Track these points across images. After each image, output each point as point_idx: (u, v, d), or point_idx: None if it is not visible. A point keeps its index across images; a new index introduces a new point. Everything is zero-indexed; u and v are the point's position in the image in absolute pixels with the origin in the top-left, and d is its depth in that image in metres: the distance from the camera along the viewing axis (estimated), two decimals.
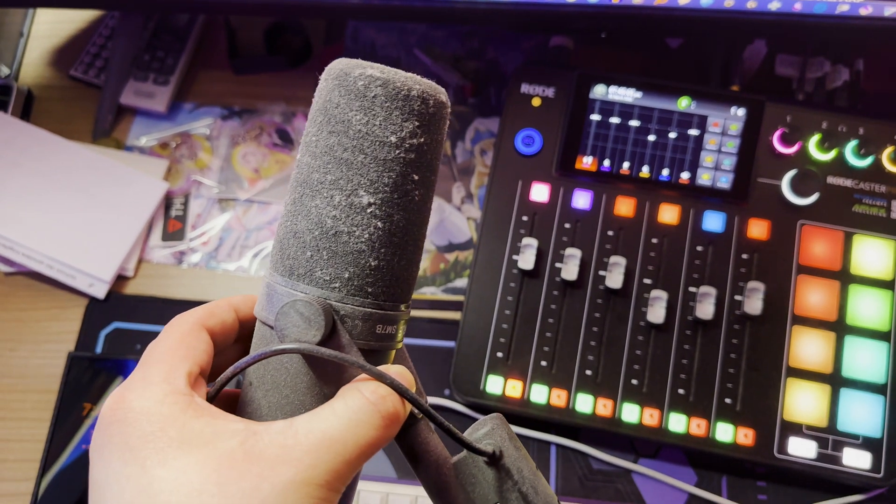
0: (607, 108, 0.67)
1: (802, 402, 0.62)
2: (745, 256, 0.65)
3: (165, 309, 0.71)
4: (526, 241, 0.65)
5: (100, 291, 0.71)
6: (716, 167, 0.66)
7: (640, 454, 0.66)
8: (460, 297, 0.71)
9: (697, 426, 0.62)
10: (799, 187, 0.65)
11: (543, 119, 0.68)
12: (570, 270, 0.64)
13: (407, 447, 0.33)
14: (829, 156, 0.67)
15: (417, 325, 0.70)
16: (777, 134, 0.67)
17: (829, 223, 0.65)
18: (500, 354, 0.64)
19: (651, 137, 0.66)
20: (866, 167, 0.66)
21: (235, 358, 0.31)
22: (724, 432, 0.62)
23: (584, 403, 0.63)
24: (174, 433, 0.27)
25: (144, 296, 0.72)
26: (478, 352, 0.64)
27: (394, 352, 0.34)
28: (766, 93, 0.68)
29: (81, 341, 0.70)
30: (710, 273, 0.65)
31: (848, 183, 0.66)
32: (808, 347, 0.63)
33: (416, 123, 0.30)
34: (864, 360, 0.63)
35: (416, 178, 0.31)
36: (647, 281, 0.65)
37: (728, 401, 0.62)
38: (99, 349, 0.70)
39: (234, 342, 0.35)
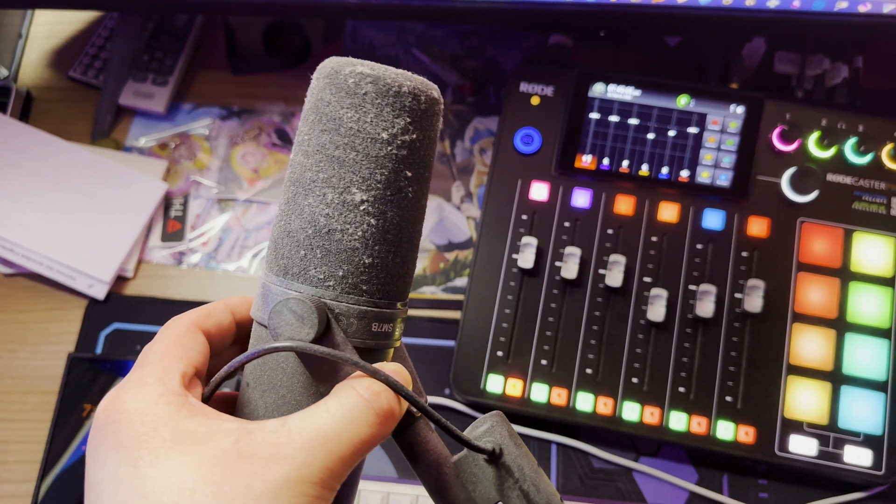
0: (606, 106, 0.67)
1: (803, 399, 0.62)
2: (744, 254, 0.65)
3: (165, 309, 0.71)
4: (525, 239, 0.65)
5: (99, 292, 0.71)
6: (715, 165, 0.66)
7: (641, 453, 0.66)
8: (460, 297, 0.71)
9: (698, 424, 0.62)
10: (799, 185, 0.65)
11: (542, 118, 0.68)
12: (569, 269, 0.64)
13: (406, 446, 0.33)
14: (828, 153, 0.66)
15: (417, 324, 0.70)
16: (776, 131, 0.67)
17: (829, 220, 0.65)
18: (500, 353, 0.64)
19: (650, 135, 0.66)
20: (866, 164, 0.66)
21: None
22: (725, 430, 0.62)
23: (585, 402, 0.63)
24: (167, 433, 0.27)
25: (144, 296, 0.72)
26: (478, 351, 0.64)
27: (391, 350, 0.33)
28: (765, 90, 0.68)
29: (81, 342, 0.70)
30: (710, 271, 0.65)
31: (847, 180, 0.66)
32: (808, 345, 0.63)
33: (408, 120, 0.30)
34: (865, 357, 0.63)
35: (408, 174, 0.31)
36: (647, 279, 0.65)
37: (729, 399, 0.62)
38: (99, 350, 0.70)
39: (231, 344, 0.35)
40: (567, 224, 0.66)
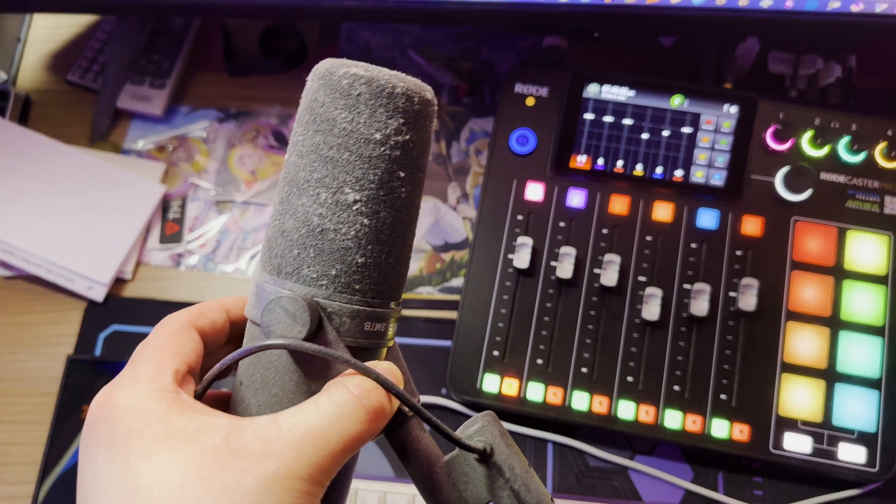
0: (601, 106, 0.67)
1: (797, 397, 0.62)
2: (739, 253, 0.65)
3: (164, 311, 0.70)
4: (521, 240, 0.66)
5: (98, 294, 0.71)
6: (709, 164, 0.66)
7: (637, 451, 0.66)
8: (456, 297, 0.72)
9: (693, 422, 0.62)
10: (792, 184, 0.66)
11: (537, 118, 0.69)
12: (565, 269, 0.65)
13: (398, 445, 0.33)
14: (822, 152, 0.67)
15: (414, 324, 0.71)
16: (770, 131, 0.67)
17: (823, 219, 0.66)
18: (496, 353, 0.65)
19: (644, 136, 0.67)
20: (859, 163, 0.67)
21: None
22: (720, 428, 0.62)
23: (581, 401, 0.63)
24: (159, 429, 0.27)
25: (143, 298, 0.73)
26: (474, 351, 0.65)
27: (385, 350, 0.34)
28: (758, 90, 0.68)
29: (80, 344, 0.71)
30: (705, 270, 0.65)
31: (841, 179, 0.66)
32: (802, 343, 0.63)
33: (401, 120, 0.30)
34: (859, 355, 0.63)
35: (402, 174, 0.31)
36: (642, 278, 0.65)
37: (723, 397, 0.63)
38: (98, 352, 0.70)
39: (225, 343, 0.35)
40: (562, 224, 0.67)
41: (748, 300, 0.63)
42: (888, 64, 0.78)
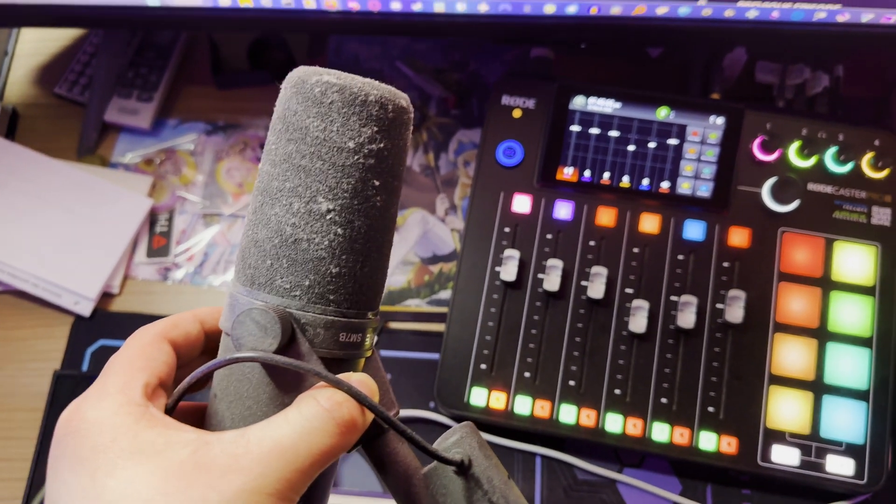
0: (587, 118, 0.67)
1: (785, 409, 0.62)
2: (725, 265, 0.65)
3: None
4: (508, 252, 0.65)
5: (85, 309, 0.71)
6: (696, 176, 0.66)
7: (625, 464, 0.66)
8: (445, 309, 0.71)
9: (681, 435, 0.62)
10: (779, 194, 0.65)
11: (524, 130, 0.69)
12: (552, 281, 0.65)
13: (375, 457, 0.33)
14: (809, 162, 0.67)
15: (402, 337, 0.71)
16: (757, 142, 0.67)
17: (810, 230, 0.66)
18: (483, 366, 0.64)
19: (631, 147, 0.67)
20: (846, 173, 0.66)
21: None
22: (708, 441, 0.62)
23: (568, 414, 0.63)
24: (126, 443, 0.27)
25: (130, 312, 0.73)
26: (462, 364, 0.65)
27: (362, 360, 0.33)
28: (746, 100, 0.68)
29: (68, 359, 0.70)
30: (692, 282, 0.65)
31: (828, 189, 0.66)
32: (790, 355, 0.63)
33: (375, 129, 0.30)
34: (847, 366, 0.63)
35: (376, 183, 0.31)
36: (629, 290, 0.65)
37: (711, 409, 0.63)
38: (85, 367, 0.70)
39: (200, 354, 0.35)
40: (549, 236, 0.66)
41: (735, 312, 0.63)
42: (875, 73, 0.78)
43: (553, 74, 0.73)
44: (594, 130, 0.67)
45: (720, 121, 0.66)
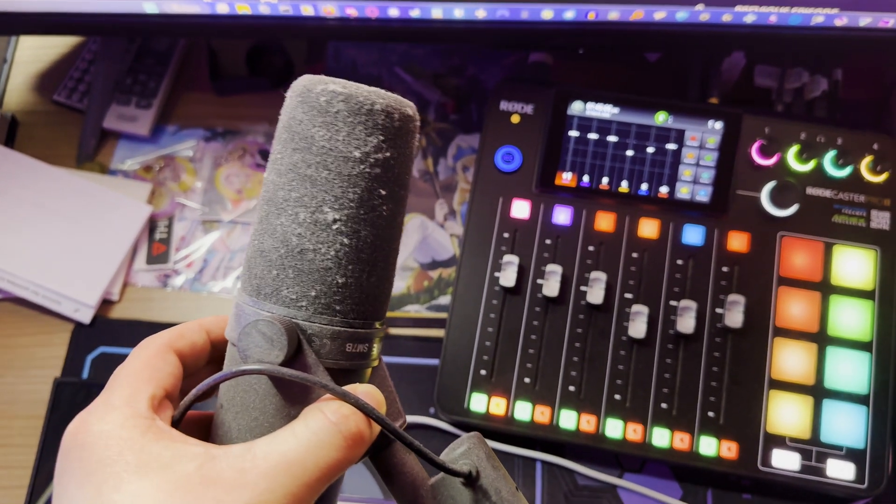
0: (585, 124, 0.67)
1: (785, 414, 0.62)
2: (725, 269, 0.65)
3: (151, 332, 0.70)
4: (507, 258, 0.65)
5: (85, 316, 0.71)
6: (694, 181, 0.66)
7: (625, 469, 0.66)
8: (444, 315, 0.71)
9: (681, 440, 0.62)
10: (778, 199, 0.65)
11: (523, 136, 0.69)
12: (551, 287, 0.65)
13: (382, 468, 0.33)
14: (807, 167, 0.67)
15: (402, 343, 0.71)
16: (755, 146, 0.67)
17: (809, 234, 0.66)
18: (483, 372, 0.64)
19: (629, 152, 0.67)
20: (845, 177, 0.66)
21: None
22: (708, 446, 0.62)
23: (568, 419, 0.63)
24: (132, 457, 0.26)
25: (130, 320, 0.73)
26: (461, 370, 0.65)
27: (369, 370, 0.33)
28: (745, 104, 0.68)
29: (68, 367, 0.70)
30: (691, 287, 0.65)
31: (827, 193, 0.66)
32: (790, 359, 0.63)
33: (381, 138, 0.30)
34: (847, 370, 0.63)
35: (383, 192, 0.30)
36: (628, 296, 0.65)
37: (711, 414, 0.63)
38: (85, 374, 0.70)
39: (207, 364, 0.35)
40: (548, 242, 0.66)
41: (735, 317, 0.63)
42: (874, 77, 0.78)
43: (551, 80, 0.73)
44: (592, 135, 0.67)
45: (718, 125, 0.66)
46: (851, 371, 0.63)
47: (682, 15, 0.64)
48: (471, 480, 0.32)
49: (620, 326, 0.64)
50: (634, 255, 0.66)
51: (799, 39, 0.65)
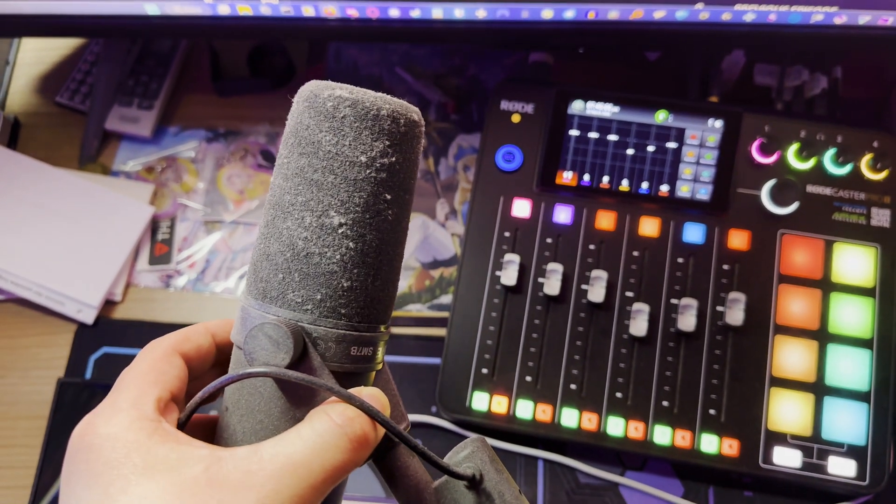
0: (586, 123, 0.67)
1: (786, 411, 0.62)
2: (725, 267, 0.65)
3: (154, 333, 0.70)
4: (508, 257, 0.66)
5: (88, 317, 0.72)
6: (695, 179, 0.66)
7: (627, 467, 0.66)
8: (446, 314, 0.72)
9: (682, 438, 0.62)
10: (778, 197, 0.66)
11: (523, 135, 0.69)
12: (552, 285, 0.65)
13: (386, 471, 0.33)
14: (807, 164, 0.67)
15: (403, 342, 0.71)
16: (755, 144, 0.67)
17: (810, 232, 0.66)
18: (485, 371, 0.65)
19: (630, 151, 0.67)
20: (845, 175, 0.67)
21: None
22: (709, 443, 0.62)
23: (570, 418, 0.63)
24: (139, 459, 0.27)
25: (133, 320, 0.73)
26: (463, 369, 0.65)
27: (373, 373, 0.33)
28: (745, 102, 0.69)
29: (71, 367, 0.71)
30: (692, 285, 0.65)
31: (827, 191, 0.67)
32: (790, 357, 0.63)
33: (387, 143, 0.30)
34: (848, 368, 0.63)
35: (388, 197, 0.31)
36: (629, 294, 0.65)
37: (712, 412, 0.63)
38: (88, 374, 0.70)
39: (212, 367, 0.35)
40: (549, 240, 0.67)
41: (735, 314, 0.63)
42: (874, 75, 0.78)
43: (551, 79, 0.73)
44: (593, 135, 0.67)
45: (718, 124, 0.66)
46: (852, 368, 0.63)
47: (681, 14, 0.64)
48: (474, 484, 0.32)
49: (621, 325, 0.65)
50: (635, 253, 0.66)
51: (798, 38, 0.66)
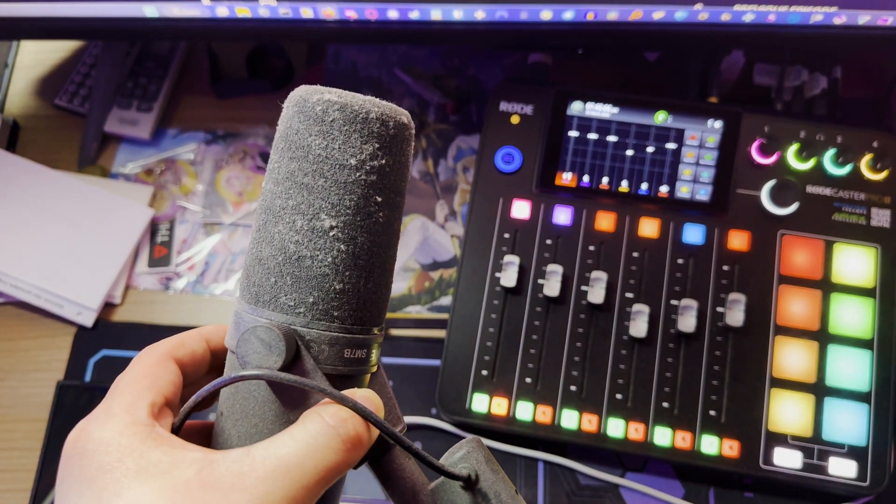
0: (585, 124, 0.67)
1: (787, 412, 0.62)
2: (725, 268, 0.65)
3: (153, 335, 0.71)
4: (508, 258, 0.66)
5: (87, 320, 0.72)
6: (694, 180, 0.66)
7: (628, 468, 0.66)
8: (446, 316, 0.72)
9: (682, 439, 0.62)
10: (778, 197, 0.66)
11: (522, 136, 0.69)
12: (552, 287, 0.65)
13: (381, 473, 0.33)
14: (807, 165, 0.67)
15: (403, 344, 0.71)
16: (755, 144, 0.67)
17: (810, 232, 0.66)
18: (484, 372, 0.64)
19: (629, 152, 0.67)
20: (845, 175, 0.66)
21: None
22: (710, 445, 0.62)
23: (570, 419, 0.63)
24: (132, 463, 0.27)
25: (132, 323, 0.73)
26: (463, 370, 0.65)
27: (368, 376, 0.33)
28: (745, 102, 0.68)
29: (70, 370, 0.71)
30: (692, 286, 0.65)
31: (827, 191, 0.66)
32: (791, 357, 0.63)
33: (377, 145, 0.30)
34: (848, 368, 0.63)
35: (379, 199, 0.31)
36: (629, 295, 0.65)
37: (712, 413, 0.63)
38: (88, 377, 0.70)
39: (206, 373, 0.35)
40: (549, 242, 0.67)
41: (736, 315, 0.63)
42: (873, 75, 0.78)
43: (551, 80, 0.73)
44: (592, 135, 0.67)
45: (718, 124, 0.66)
46: (853, 369, 0.63)
47: (680, 14, 0.64)
48: (470, 484, 0.32)
49: (621, 326, 0.65)
50: (635, 254, 0.66)
51: (798, 38, 0.65)
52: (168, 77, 0.81)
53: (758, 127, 0.67)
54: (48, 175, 0.75)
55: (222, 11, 0.66)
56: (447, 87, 0.80)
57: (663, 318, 0.64)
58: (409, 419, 0.67)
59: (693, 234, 0.66)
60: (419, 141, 0.78)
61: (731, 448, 0.62)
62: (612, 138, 0.67)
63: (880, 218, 0.66)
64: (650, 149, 0.66)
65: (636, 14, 0.64)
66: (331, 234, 0.30)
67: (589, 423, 0.63)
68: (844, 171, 0.66)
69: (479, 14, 0.64)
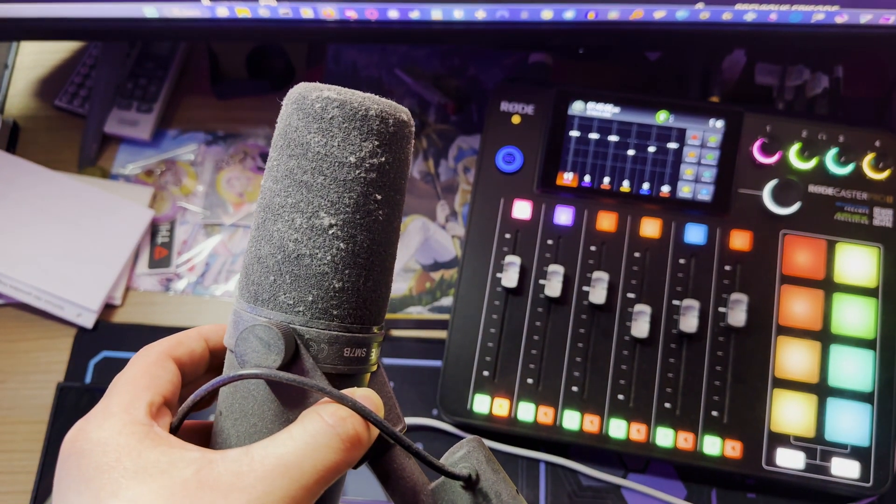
0: (586, 124, 0.67)
1: (789, 412, 0.62)
2: (727, 268, 0.65)
3: (154, 336, 0.70)
4: (509, 258, 0.65)
5: (88, 321, 0.71)
6: (696, 180, 0.66)
7: (630, 469, 0.66)
8: (446, 316, 0.71)
9: (685, 440, 0.62)
10: (780, 197, 0.65)
11: (523, 136, 0.69)
12: (553, 287, 0.64)
13: (382, 473, 0.33)
14: (809, 164, 0.67)
15: (404, 344, 0.70)
16: (757, 144, 0.67)
17: (812, 232, 0.65)
18: (486, 373, 0.64)
19: (630, 152, 0.66)
20: (847, 175, 0.66)
21: None
22: (712, 445, 0.62)
23: (571, 420, 0.63)
24: (130, 463, 0.27)
25: (132, 324, 0.73)
26: (464, 371, 0.65)
27: (368, 375, 0.33)
28: (746, 102, 0.68)
29: (71, 371, 0.71)
30: (694, 286, 0.65)
31: (829, 191, 0.66)
32: (793, 358, 0.63)
33: (376, 143, 0.30)
34: (851, 368, 0.62)
35: (378, 197, 0.31)
36: (631, 295, 0.65)
37: (715, 413, 0.62)
38: (88, 379, 0.70)
39: (206, 373, 0.35)
40: (550, 242, 0.66)
41: (738, 315, 0.63)
42: (875, 74, 0.77)
43: (551, 80, 0.73)
44: (593, 135, 0.67)
45: (720, 124, 0.66)
46: (855, 369, 0.62)
47: (682, 14, 0.64)
48: (471, 484, 0.32)
49: (623, 326, 0.64)
50: (636, 254, 0.66)
51: (799, 37, 0.65)
52: (168, 78, 0.81)
53: (759, 126, 0.67)
54: (48, 176, 0.75)
55: (222, 12, 0.65)
56: (448, 88, 0.80)
57: (665, 318, 0.64)
58: (409, 420, 0.67)
59: (695, 233, 0.66)
60: (420, 141, 0.78)
61: (733, 449, 0.62)
62: (613, 138, 0.67)
63: (883, 217, 0.65)
64: (652, 148, 0.66)
65: (637, 13, 0.64)
66: (330, 232, 0.30)
67: (591, 423, 0.63)
68: (846, 170, 0.66)
69: (480, 14, 0.64)
